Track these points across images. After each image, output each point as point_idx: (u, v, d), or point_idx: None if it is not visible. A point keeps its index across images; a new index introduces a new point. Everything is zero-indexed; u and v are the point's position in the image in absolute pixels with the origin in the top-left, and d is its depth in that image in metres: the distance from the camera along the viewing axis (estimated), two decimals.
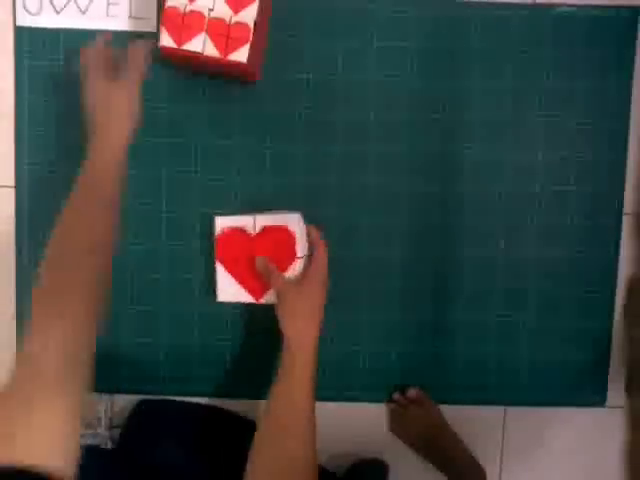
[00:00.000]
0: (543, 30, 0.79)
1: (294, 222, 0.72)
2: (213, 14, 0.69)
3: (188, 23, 0.69)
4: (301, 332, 0.66)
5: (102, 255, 0.58)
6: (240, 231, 0.74)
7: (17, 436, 0.42)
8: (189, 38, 0.69)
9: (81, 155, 0.78)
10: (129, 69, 0.67)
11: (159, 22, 0.73)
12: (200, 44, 0.69)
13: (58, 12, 0.77)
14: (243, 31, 0.69)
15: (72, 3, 0.77)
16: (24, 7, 0.77)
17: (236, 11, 0.69)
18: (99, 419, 0.80)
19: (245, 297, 0.75)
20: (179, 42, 0.69)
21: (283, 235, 0.73)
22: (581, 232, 0.82)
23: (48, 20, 0.77)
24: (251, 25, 0.69)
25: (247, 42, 0.69)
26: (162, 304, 0.81)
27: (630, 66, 0.80)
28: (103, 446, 0.80)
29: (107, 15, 0.77)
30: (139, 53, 0.68)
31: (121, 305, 0.80)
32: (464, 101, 0.80)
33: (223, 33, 0.69)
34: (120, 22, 0.77)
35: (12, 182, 0.80)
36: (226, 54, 0.69)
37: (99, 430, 0.80)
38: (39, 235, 0.79)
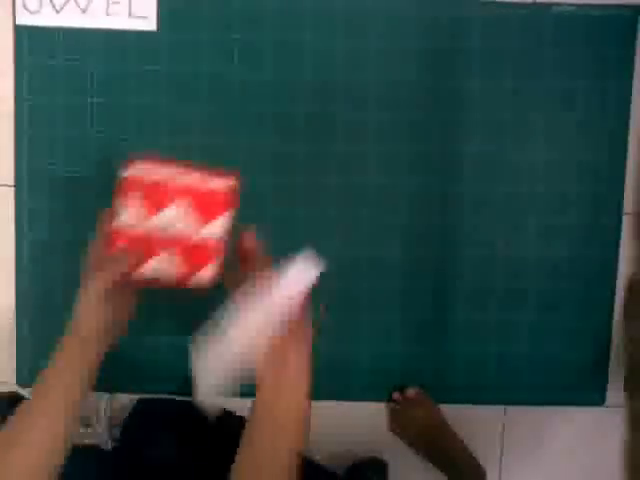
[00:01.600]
0: (543, 30, 0.79)
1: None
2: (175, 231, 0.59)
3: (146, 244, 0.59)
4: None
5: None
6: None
7: None
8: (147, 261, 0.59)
9: (80, 155, 0.79)
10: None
11: None
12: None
13: (58, 11, 0.77)
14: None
15: (72, 1, 0.77)
16: (24, 5, 0.77)
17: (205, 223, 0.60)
18: (98, 418, 0.81)
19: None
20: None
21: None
22: (581, 232, 0.82)
23: (48, 19, 0.77)
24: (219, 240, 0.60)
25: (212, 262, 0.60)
26: (162, 303, 0.81)
27: (630, 66, 0.80)
28: (102, 445, 0.80)
29: (107, 14, 0.77)
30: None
31: None
32: (464, 101, 0.80)
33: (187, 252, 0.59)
34: (120, 21, 0.77)
35: (12, 182, 0.79)
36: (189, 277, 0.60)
37: (98, 429, 0.80)
38: (39, 235, 0.80)
